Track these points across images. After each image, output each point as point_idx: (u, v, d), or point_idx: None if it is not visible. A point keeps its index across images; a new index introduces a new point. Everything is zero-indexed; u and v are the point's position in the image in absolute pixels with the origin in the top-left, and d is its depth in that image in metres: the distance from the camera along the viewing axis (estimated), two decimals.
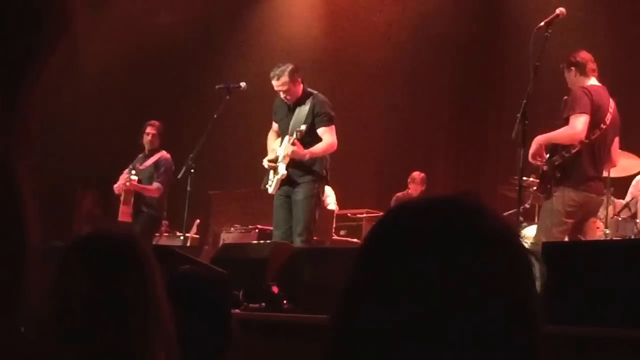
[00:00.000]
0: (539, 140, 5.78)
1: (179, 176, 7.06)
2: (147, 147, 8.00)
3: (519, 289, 0.96)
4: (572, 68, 5.92)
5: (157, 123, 8.03)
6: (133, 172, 7.79)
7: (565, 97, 5.90)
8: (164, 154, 8.01)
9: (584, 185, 5.79)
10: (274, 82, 6.45)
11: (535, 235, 6.01)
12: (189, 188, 7.10)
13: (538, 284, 1.00)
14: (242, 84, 7.12)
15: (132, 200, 7.71)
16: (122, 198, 7.74)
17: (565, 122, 5.72)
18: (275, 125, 6.75)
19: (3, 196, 0.92)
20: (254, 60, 10.06)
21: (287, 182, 6.45)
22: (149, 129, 7.97)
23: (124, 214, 7.76)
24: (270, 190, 6.54)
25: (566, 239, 5.92)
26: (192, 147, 7.13)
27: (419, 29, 10.39)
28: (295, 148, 6.33)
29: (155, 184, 7.82)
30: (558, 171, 5.72)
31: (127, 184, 7.65)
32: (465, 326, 0.91)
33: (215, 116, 7.00)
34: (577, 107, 5.67)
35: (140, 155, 8.05)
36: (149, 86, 10.28)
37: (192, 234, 8.42)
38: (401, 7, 10.56)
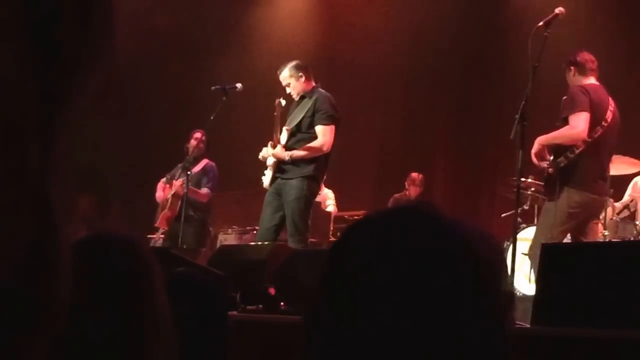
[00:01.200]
0: (540, 140, 5.74)
1: (176, 178, 7.06)
2: (194, 153, 8.01)
3: (470, 299, 0.98)
4: (572, 67, 5.88)
5: (202, 130, 8.07)
6: (177, 177, 7.85)
7: (565, 97, 5.85)
8: (209, 161, 8.12)
9: (587, 186, 5.72)
10: (280, 77, 6.58)
11: (535, 235, 5.96)
12: (185, 190, 7.09)
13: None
14: (238, 85, 7.13)
15: (179, 205, 7.77)
16: (167, 204, 7.78)
17: (565, 122, 5.67)
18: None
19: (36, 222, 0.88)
20: (251, 61, 10.06)
21: (278, 175, 6.44)
22: (196, 135, 8.01)
23: (164, 220, 7.85)
24: (265, 184, 6.56)
25: (567, 240, 5.90)
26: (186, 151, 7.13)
27: (417, 30, 10.40)
28: (277, 151, 6.39)
29: (205, 190, 7.94)
30: (563, 172, 5.66)
31: (184, 188, 7.66)
32: (416, 340, 0.95)
33: (211, 117, 6.98)
34: (576, 105, 5.62)
35: (180, 165, 8.08)
36: (145, 88, 10.25)
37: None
38: (399, 10, 10.55)
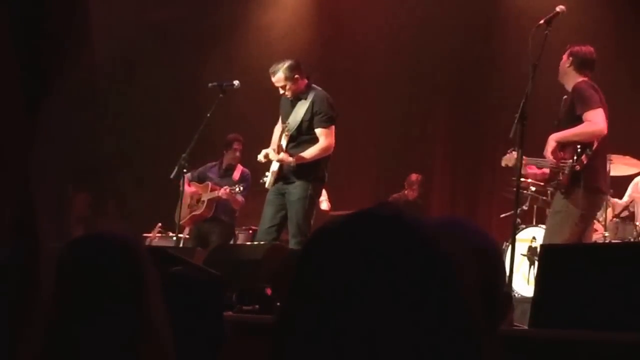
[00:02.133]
0: (556, 138, 5.59)
1: (172, 176, 6.98)
2: (233, 161, 8.25)
3: (438, 298, 0.99)
4: (572, 58, 5.76)
5: (241, 137, 8.30)
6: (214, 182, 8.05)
7: (565, 97, 5.80)
8: (244, 168, 8.28)
9: (602, 186, 5.64)
10: (273, 78, 6.44)
11: (547, 238, 5.76)
12: (181, 188, 7.04)
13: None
14: (236, 83, 7.06)
15: (214, 208, 7.97)
16: (199, 204, 7.93)
17: (577, 120, 5.53)
18: (280, 122, 6.71)
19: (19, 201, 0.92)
20: (249, 58, 10.01)
21: (281, 177, 6.40)
22: (236, 145, 8.22)
23: (193, 219, 8.01)
24: (266, 184, 6.50)
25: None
26: (185, 146, 7.06)
27: (416, 33, 10.38)
28: (281, 156, 6.31)
29: (240, 197, 8.05)
30: (577, 172, 5.50)
31: (229, 192, 7.83)
32: (383, 341, 0.97)
33: (208, 115, 6.93)
34: (591, 102, 5.49)
35: (211, 165, 8.27)
36: (141, 85, 10.20)
37: (185, 234, 8.39)
38: (399, 11, 10.52)
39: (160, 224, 8.90)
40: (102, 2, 9.87)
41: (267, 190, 6.51)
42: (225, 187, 7.82)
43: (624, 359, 3.24)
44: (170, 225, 8.28)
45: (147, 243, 8.45)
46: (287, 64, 6.40)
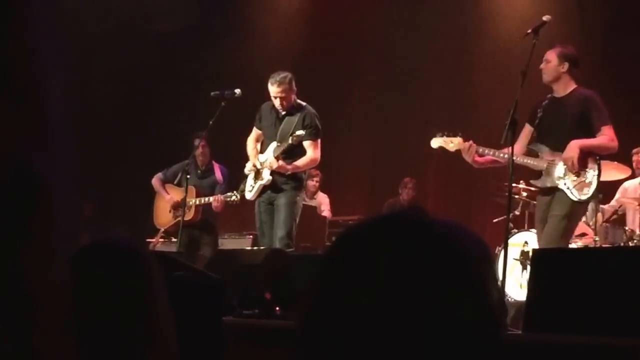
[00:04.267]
0: (580, 145, 5.59)
1: (175, 182, 7.05)
2: (204, 160, 8.17)
3: (462, 303, 1.02)
4: (567, 63, 5.74)
5: (201, 136, 7.96)
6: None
7: (547, 101, 5.74)
8: (220, 165, 8.22)
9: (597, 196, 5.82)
10: (274, 88, 6.51)
11: (551, 242, 5.64)
12: (185, 194, 7.10)
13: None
14: (237, 91, 7.01)
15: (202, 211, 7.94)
16: (187, 208, 7.74)
17: (589, 130, 5.61)
18: (255, 132, 6.87)
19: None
20: (248, 67, 10.04)
21: (269, 188, 6.58)
22: (201, 143, 7.97)
23: (176, 224, 7.88)
24: (249, 196, 6.70)
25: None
26: (187, 153, 7.13)
27: (412, 33, 10.40)
28: (280, 163, 6.48)
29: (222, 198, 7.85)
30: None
31: (224, 201, 7.66)
32: (408, 342, 1.00)
33: (210, 123, 6.99)
34: (607, 116, 5.61)
35: (185, 164, 7.92)
36: (143, 93, 10.25)
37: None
38: (397, 14, 10.56)
39: (162, 230, 8.92)
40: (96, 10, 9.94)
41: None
42: (219, 196, 7.69)
43: None
44: (173, 230, 8.29)
45: (150, 248, 8.47)
46: (289, 75, 6.55)
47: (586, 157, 5.61)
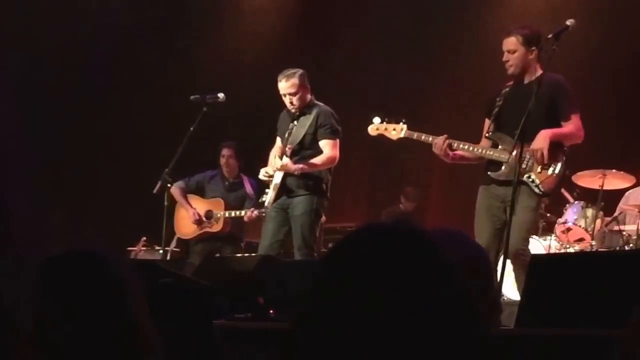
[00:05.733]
0: (549, 136, 5.26)
1: (155, 191, 6.86)
2: (230, 170, 8.05)
3: (450, 310, 1.09)
4: (534, 48, 5.29)
5: (230, 145, 8.04)
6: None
7: (506, 89, 5.47)
8: (249, 178, 8.04)
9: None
10: (282, 84, 6.20)
11: (520, 232, 5.35)
12: (165, 203, 6.91)
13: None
14: (220, 95, 6.79)
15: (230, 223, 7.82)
16: (215, 221, 7.73)
17: (556, 118, 5.32)
18: (278, 141, 6.53)
19: None
20: (231, 70, 9.97)
21: (283, 192, 6.28)
22: (224, 152, 7.96)
23: (202, 234, 7.81)
24: (266, 202, 6.37)
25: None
26: (167, 161, 6.98)
27: (410, 36, 10.36)
28: (286, 161, 6.19)
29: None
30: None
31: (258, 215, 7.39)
32: (400, 348, 1.05)
33: (191, 129, 6.77)
34: (577, 105, 5.32)
35: (213, 176, 8.03)
36: (121, 99, 10.13)
37: (173, 247, 8.33)
38: (395, 16, 10.51)
39: (144, 238, 8.82)
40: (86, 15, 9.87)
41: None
42: (253, 210, 7.31)
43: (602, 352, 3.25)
44: (156, 238, 8.19)
45: (132, 256, 8.39)
46: (300, 71, 6.24)
47: (555, 149, 5.27)
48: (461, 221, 10.06)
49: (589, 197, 7.49)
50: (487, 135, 5.51)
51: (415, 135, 5.73)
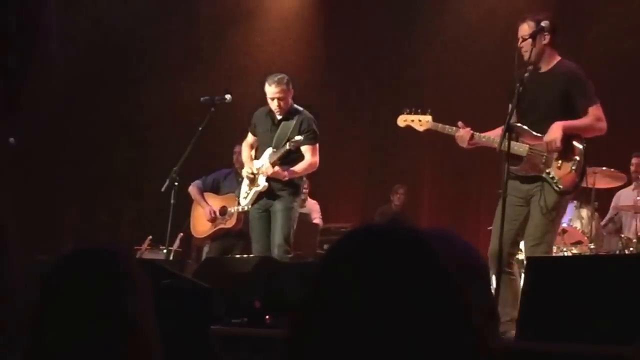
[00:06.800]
0: (563, 128, 5.07)
1: (163, 189, 6.93)
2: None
3: (448, 314, 1.07)
4: (548, 34, 5.21)
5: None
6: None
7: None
8: None
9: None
10: (271, 88, 6.38)
11: (541, 236, 5.19)
12: (172, 201, 6.97)
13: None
14: (228, 97, 6.93)
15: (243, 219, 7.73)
16: (229, 218, 7.69)
17: (572, 109, 5.13)
18: (250, 137, 6.75)
19: None
20: (238, 72, 10.02)
21: (265, 195, 6.47)
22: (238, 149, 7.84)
23: (218, 232, 7.79)
24: (244, 203, 6.60)
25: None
26: (176, 160, 7.03)
27: (407, 38, 10.40)
28: (276, 169, 6.37)
29: None
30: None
31: None
32: (398, 351, 1.03)
33: (200, 129, 6.91)
34: (595, 96, 5.15)
35: (228, 173, 8.04)
36: (132, 99, 10.19)
37: (176, 247, 8.35)
38: (394, 18, 10.55)
39: (150, 237, 8.86)
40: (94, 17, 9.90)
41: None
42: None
43: None
44: (161, 238, 8.23)
45: (137, 256, 8.42)
46: (285, 76, 6.45)
47: (571, 140, 5.12)
48: (452, 219, 10.15)
49: (580, 195, 7.32)
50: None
51: (439, 127, 5.66)
